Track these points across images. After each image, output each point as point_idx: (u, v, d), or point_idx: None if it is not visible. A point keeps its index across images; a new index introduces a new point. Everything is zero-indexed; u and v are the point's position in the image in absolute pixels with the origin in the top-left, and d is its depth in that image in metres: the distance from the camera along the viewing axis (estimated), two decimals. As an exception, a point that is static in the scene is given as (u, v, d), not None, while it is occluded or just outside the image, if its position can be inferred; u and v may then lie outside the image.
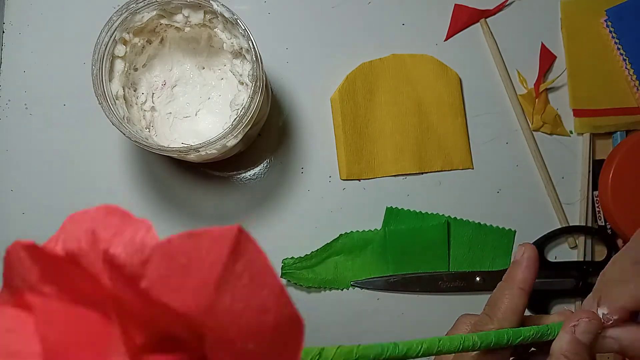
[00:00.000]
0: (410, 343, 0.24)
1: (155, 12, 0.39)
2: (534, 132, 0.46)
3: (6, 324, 0.17)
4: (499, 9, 0.47)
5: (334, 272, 0.45)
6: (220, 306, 0.16)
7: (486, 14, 0.46)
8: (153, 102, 0.42)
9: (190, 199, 0.45)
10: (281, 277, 0.44)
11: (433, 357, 0.27)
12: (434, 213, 0.45)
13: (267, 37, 0.45)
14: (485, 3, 0.46)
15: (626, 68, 0.45)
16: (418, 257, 0.44)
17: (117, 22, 0.37)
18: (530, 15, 0.47)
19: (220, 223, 0.45)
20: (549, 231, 0.45)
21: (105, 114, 0.36)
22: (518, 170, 0.46)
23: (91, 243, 0.17)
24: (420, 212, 0.45)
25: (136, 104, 0.41)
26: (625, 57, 0.45)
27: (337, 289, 0.45)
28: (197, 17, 0.39)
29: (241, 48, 0.39)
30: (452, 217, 0.45)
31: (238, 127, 0.37)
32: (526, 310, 0.30)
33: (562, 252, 0.46)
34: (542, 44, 0.46)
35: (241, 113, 0.36)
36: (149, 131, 0.42)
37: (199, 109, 0.43)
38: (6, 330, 0.17)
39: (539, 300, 0.44)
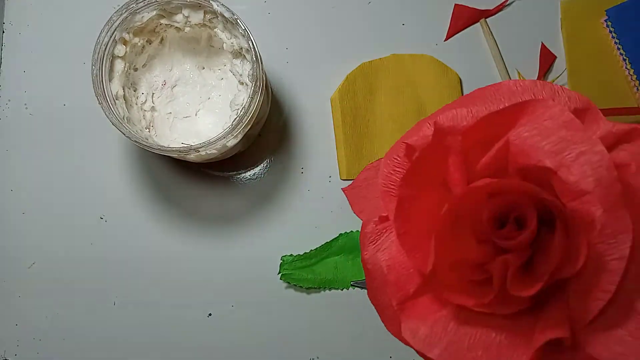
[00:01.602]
0: None
1: (155, 12, 0.39)
2: (534, 132, 0.46)
3: None
4: (499, 9, 0.47)
5: (334, 272, 0.44)
6: None
7: (486, 14, 0.47)
8: (153, 102, 0.42)
9: (190, 199, 0.45)
10: (280, 278, 0.44)
11: None
12: (434, 213, 0.45)
13: (267, 37, 0.45)
14: (485, 3, 0.46)
15: (626, 68, 0.45)
16: (418, 257, 0.44)
17: (117, 22, 0.38)
18: (530, 15, 0.47)
19: (220, 223, 0.45)
20: (549, 231, 0.45)
21: (105, 114, 0.36)
22: (518, 170, 0.46)
23: None
24: (420, 212, 0.45)
25: (136, 104, 0.41)
26: (625, 57, 0.45)
27: (337, 289, 0.45)
28: (197, 17, 0.39)
29: (241, 48, 0.39)
30: (452, 217, 0.45)
31: (238, 127, 0.37)
32: None
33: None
34: (542, 44, 0.46)
35: (241, 113, 0.36)
36: (149, 131, 0.42)
37: (199, 109, 0.43)
38: None
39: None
